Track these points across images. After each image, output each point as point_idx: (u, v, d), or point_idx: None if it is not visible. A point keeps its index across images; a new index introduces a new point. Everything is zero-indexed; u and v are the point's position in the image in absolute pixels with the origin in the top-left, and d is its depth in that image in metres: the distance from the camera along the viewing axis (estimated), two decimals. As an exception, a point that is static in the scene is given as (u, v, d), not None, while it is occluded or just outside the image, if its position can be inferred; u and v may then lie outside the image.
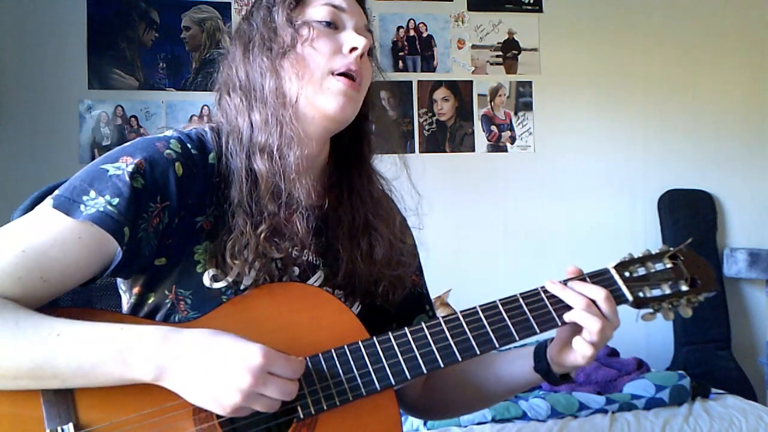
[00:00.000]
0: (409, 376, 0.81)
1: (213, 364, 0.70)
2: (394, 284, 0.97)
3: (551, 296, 0.88)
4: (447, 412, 1.07)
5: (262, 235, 0.83)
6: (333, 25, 0.90)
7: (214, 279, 0.84)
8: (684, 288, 0.91)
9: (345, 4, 0.92)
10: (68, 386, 0.72)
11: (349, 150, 0.98)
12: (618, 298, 0.88)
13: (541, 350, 0.93)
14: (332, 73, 0.88)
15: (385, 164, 1.02)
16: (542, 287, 0.88)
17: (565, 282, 0.89)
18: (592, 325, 0.83)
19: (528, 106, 3.15)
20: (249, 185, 0.85)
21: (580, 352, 0.85)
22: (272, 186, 0.85)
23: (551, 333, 0.90)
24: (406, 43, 3.08)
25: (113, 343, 0.71)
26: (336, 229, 0.95)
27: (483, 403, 1.07)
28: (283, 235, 0.86)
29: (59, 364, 0.70)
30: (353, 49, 0.89)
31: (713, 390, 2.29)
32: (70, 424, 0.71)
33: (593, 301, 0.85)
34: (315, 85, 0.87)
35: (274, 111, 0.87)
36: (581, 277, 0.89)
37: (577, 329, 0.86)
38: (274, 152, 0.86)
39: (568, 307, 0.87)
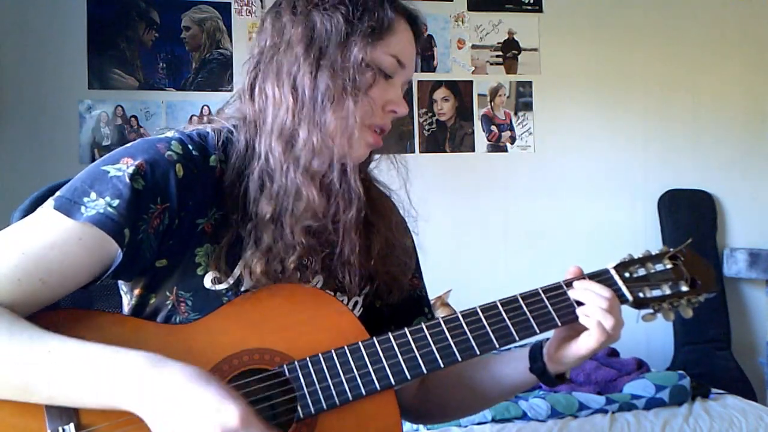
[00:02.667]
0: (409, 376, 0.81)
1: (188, 414, 0.67)
2: (390, 282, 0.97)
3: (551, 296, 0.88)
4: (443, 415, 1.06)
5: (292, 266, 0.84)
6: (389, 77, 0.89)
7: (216, 281, 0.83)
8: (684, 288, 0.91)
9: (408, 60, 0.90)
10: (54, 403, 0.71)
11: None
12: (618, 298, 0.88)
13: (536, 351, 0.93)
14: (369, 126, 0.88)
15: (384, 166, 1.01)
16: (542, 288, 0.89)
17: (567, 282, 0.89)
18: (608, 323, 0.84)
19: (528, 106, 3.16)
20: (291, 207, 0.83)
21: (585, 344, 0.85)
22: (316, 223, 0.85)
23: (550, 333, 0.91)
24: (406, 43, 3.07)
25: (97, 372, 0.70)
26: (339, 232, 0.94)
27: (479, 405, 1.06)
28: (305, 266, 0.86)
29: (47, 385, 0.69)
30: (393, 111, 0.89)
31: (713, 390, 2.29)
32: (72, 425, 0.71)
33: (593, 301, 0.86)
34: (354, 132, 0.85)
35: (332, 148, 0.84)
36: (582, 277, 0.90)
37: (578, 327, 0.87)
38: (334, 194, 0.85)
39: (568, 308, 0.87)
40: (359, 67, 0.84)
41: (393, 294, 0.98)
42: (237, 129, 0.88)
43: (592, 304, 0.85)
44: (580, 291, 0.87)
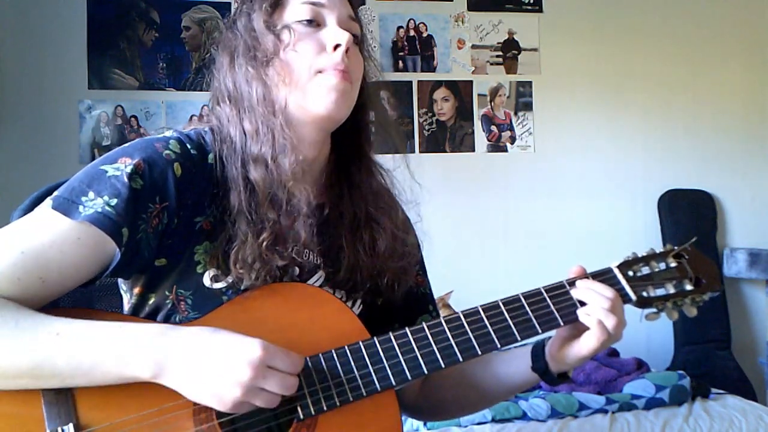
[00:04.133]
0: (409, 377, 0.81)
1: (212, 359, 0.70)
2: (398, 275, 0.97)
3: (554, 296, 0.87)
4: (445, 413, 1.07)
5: (264, 244, 0.83)
6: (314, 23, 0.88)
7: (215, 279, 0.83)
8: (689, 287, 0.91)
9: None
10: (68, 385, 0.71)
11: (348, 144, 0.97)
12: (621, 297, 0.88)
13: (538, 349, 0.93)
14: (319, 72, 0.87)
15: (384, 159, 1.01)
16: (544, 287, 0.88)
17: (570, 282, 0.89)
18: (610, 323, 0.84)
19: (528, 106, 3.15)
20: (247, 193, 0.85)
21: (587, 344, 0.85)
22: (269, 195, 0.85)
23: (551, 333, 0.90)
24: (406, 43, 3.08)
25: (112, 342, 0.71)
26: (338, 226, 0.94)
27: (481, 403, 1.06)
28: (285, 241, 0.86)
29: (58, 364, 0.70)
30: (337, 46, 0.87)
31: (713, 390, 2.29)
32: (71, 425, 0.71)
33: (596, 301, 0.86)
34: (303, 88, 0.86)
35: (264, 120, 0.86)
36: (585, 276, 0.89)
37: (580, 326, 0.86)
38: (269, 161, 0.85)
39: (570, 307, 0.87)
40: (267, 33, 0.87)
41: (401, 287, 0.98)
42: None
43: (595, 304, 0.85)
44: (582, 290, 0.87)
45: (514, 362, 0.96)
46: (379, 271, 0.95)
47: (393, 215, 0.97)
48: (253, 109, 0.86)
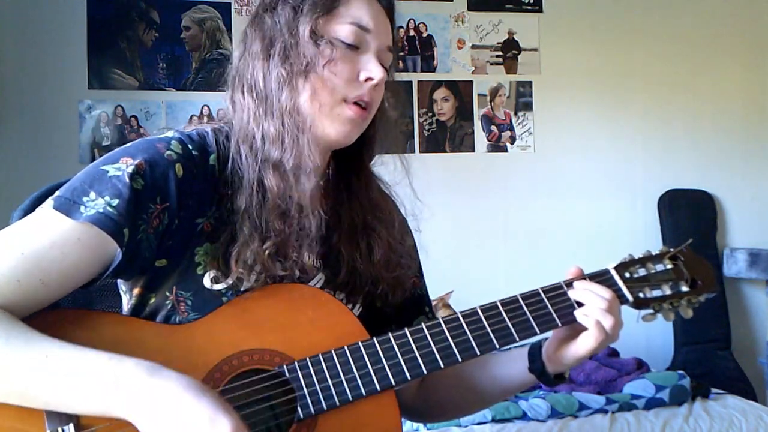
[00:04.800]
0: (409, 377, 0.81)
1: (180, 426, 0.67)
2: (393, 286, 0.97)
3: (551, 297, 0.88)
4: (443, 414, 1.06)
5: (267, 252, 0.82)
6: (355, 47, 0.87)
7: (215, 280, 0.83)
8: (684, 289, 0.91)
9: (372, 24, 0.87)
10: (51, 409, 0.71)
11: (350, 154, 0.96)
12: (618, 298, 0.88)
13: (535, 350, 0.93)
14: (345, 101, 0.86)
15: (387, 167, 1.01)
16: (542, 288, 0.88)
17: (567, 283, 0.89)
18: (607, 323, 0.84)
19: (528, 106, 3.16)
20: (258, 197, 0.84)
21: (584, 345, 0.85)
22: (281, 206, 0.84)
23: (550, 333, 0.91)
24: (406, 43, 3.08)
25: (96, 379, 0.69)
26: (337, 231, 0.94)
27: (479, 405, 1.06)
28: (287, 255, 0.85)
29: (44, 394, 0.69)
30: (369, 78, 0.87)
31: (713, 390, 2.29)
32: (71, 425, 0.71)
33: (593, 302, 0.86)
34: (326, 109, 0.86)
35: (290, 131, 0.84)
36: (582, 277, 0.90)
37: (577, 327, 0.87)
38: (289, 173, 0.84)
39: (568, 308, 0.87)
40: (310, 43, 0.85)
41: (395, 296, 0.98)
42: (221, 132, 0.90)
43: (592, 305, 0.85)
44: (580, 291, 0.87)
45: (511, 363, 0.96)
46: (375, 279, 0.95)
47: (390, 226, 0.97)
48: (281, 116, 0.85)
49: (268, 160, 0.85)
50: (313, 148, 0.85)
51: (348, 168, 0.98)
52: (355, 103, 0.87)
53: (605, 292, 0.86)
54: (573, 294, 0.88)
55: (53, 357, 0.70)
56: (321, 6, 0.86)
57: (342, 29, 0.86)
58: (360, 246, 0.94)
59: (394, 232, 0.97)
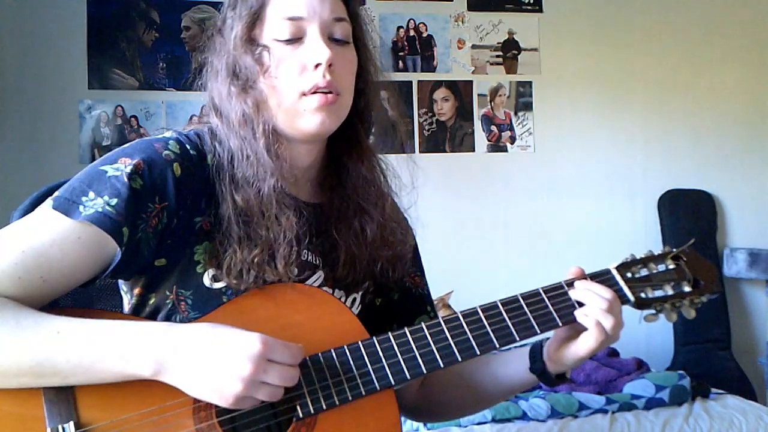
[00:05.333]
0: (408, 376, 0.81)
1: (212, 355, 0.70)
2: (391, 262, 0.97)
3: (552, 296, 0.87)
4: (443, 414, 1.06)
5: (256, 260, 0.83)
6: (294, 40, 0.85)
7: (215, 279, 0.84)
8: (687, 289, 0.91)
9: (304, 7, 0.84)
10: (69, 383, 0.72)
11: (342, 132, 0.93)
12: (620, 298, 0.88)
13: (536, 350, 0.93)
14: (303, 94, 0.84)
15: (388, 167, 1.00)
16: (543, 288, 0.88)
17: (569, 283, 0.89)
18: (608, 324, 0.84)
19: (528, 106, 3.16)
20: (237, 210, 0.84)
21: (585, 345, 0.85)
22: (256, 215, 0.84)
23: (549, 334, 0.90)
24: (406, 43, 3.08)
25: (112, 339, 0.71)
26: (332, 217, 0.94)
27: (480, 404, 1.06)
28: (273, 258, 0.84)
29: (59, 362, 0.70)
30: (317, 65, 0.84)
31: (713, 390, 2.29)
32: (71, 423, 0.71)
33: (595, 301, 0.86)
34: (289, 110, 0.85)
35: (246, 142, 0.85)
36: (583, 277, 0.89)
37: (578, 327, 0.86)
38: (251, 185, 0.84)
39: (568, 308, 0.87)
40: (247, 54, 0.85)
41: (396, 272, 0.97)
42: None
43: (592, 305, 0.85)
44: (580, 291, 0.87)
45: (511, 363, 0.96)
46: (373, 259, 0.95)
47: (380, 205, 0.95)
48: (236, 130, 0.85)
49: (236, 175, 0.85)
50: (269, 152, 0.84)
51: (342, 148, 0.96)
52: (316, 92, 0.84)
53: (606, 292, 0.86)
54: (574, 294, 0.87)
55: (65, 330, 0.71)
56: (248, 14, 0.85)
57: (276, 28, 0.85)
58: (354, 226, 0.93)
59: (384, 212, 0.96)
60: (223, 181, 0.85)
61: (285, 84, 0.84)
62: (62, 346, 0.70)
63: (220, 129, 0.87)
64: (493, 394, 0.99)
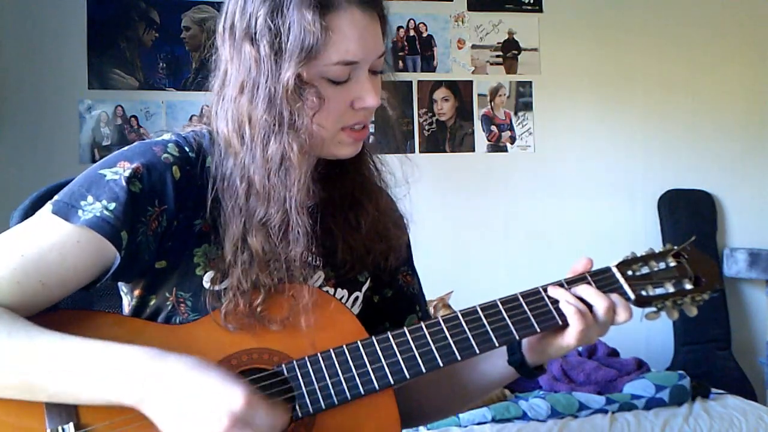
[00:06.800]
0: (408, 376, 0.81)
1: (193, 401, 0.68)
2: (385, 254, 0.96)
3: (551, 295, 0.87)
4: (422, 416, 1.04)
5: (259, 309, 0.81)
6: (346, 80, 0.82)
7: (214, 281, 0.83)
8: (688, 286, 0.91)
9: (360, 50, 0.80)
10: (55, 402, 0.71)
11: None
12: (620, 296, 0.87)
13: (514, 343, 0.91)
14: (342, 129, 0.85)
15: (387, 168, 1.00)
16: (543, 287, 0.88)
17: (569, 282, 0.88)
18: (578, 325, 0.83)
19: (528, 106, 3.16)
20: (243, 254, 0.81)
21: (569, 336, 0.85)
22: (268, 262, 0.82)
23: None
24: (406, 43, 3.08)
25: (100, 366, 0.70)
26: (329, 212, 0.93)
27: (459, 404, 1.04)
28: (304, 262, 0.84)
29: (47, 383, 0.70)
30: (363, 108, 0.83)
31: (713, 390, 2.29)
32: (71, 424, 0.71)
33: (590, 307, 0.85)
34: (325, 140, 0.84)
35: (278, 189, 0.80)
36: (582, 276, 0.89)
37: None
38: (275, 231, 0.81)
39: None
40: (295, 94, 0.78)
41: (390, 263, 0.97)
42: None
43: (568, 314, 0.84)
44: (580, 290, 0.87)
45: (489, 359, 0.94)
46: (368, 250, 0.94)
47: (375, 200, 0.95)
48: (268, 169, 0.80)
49: (253, 216, 0.81)
50: (300, 211, 0.80)
51: None
52: (350, 129, 0.85)
53: (594, 299, 0.85)
54: (573, 293, 0.87)
55: (56, 349, 0.70)
56: (305, 52, 0.78)
57: (329, 70, 0.80)
58: (349, 218, 0.93)
59: (378, 207, 0.95)
60: (233, 221, 0.82)
61: (328, 122, 0.83)
62: (50, 367, 0.69)
63: (240, 155, 0.82)
64: (473, 392, 0.98)
